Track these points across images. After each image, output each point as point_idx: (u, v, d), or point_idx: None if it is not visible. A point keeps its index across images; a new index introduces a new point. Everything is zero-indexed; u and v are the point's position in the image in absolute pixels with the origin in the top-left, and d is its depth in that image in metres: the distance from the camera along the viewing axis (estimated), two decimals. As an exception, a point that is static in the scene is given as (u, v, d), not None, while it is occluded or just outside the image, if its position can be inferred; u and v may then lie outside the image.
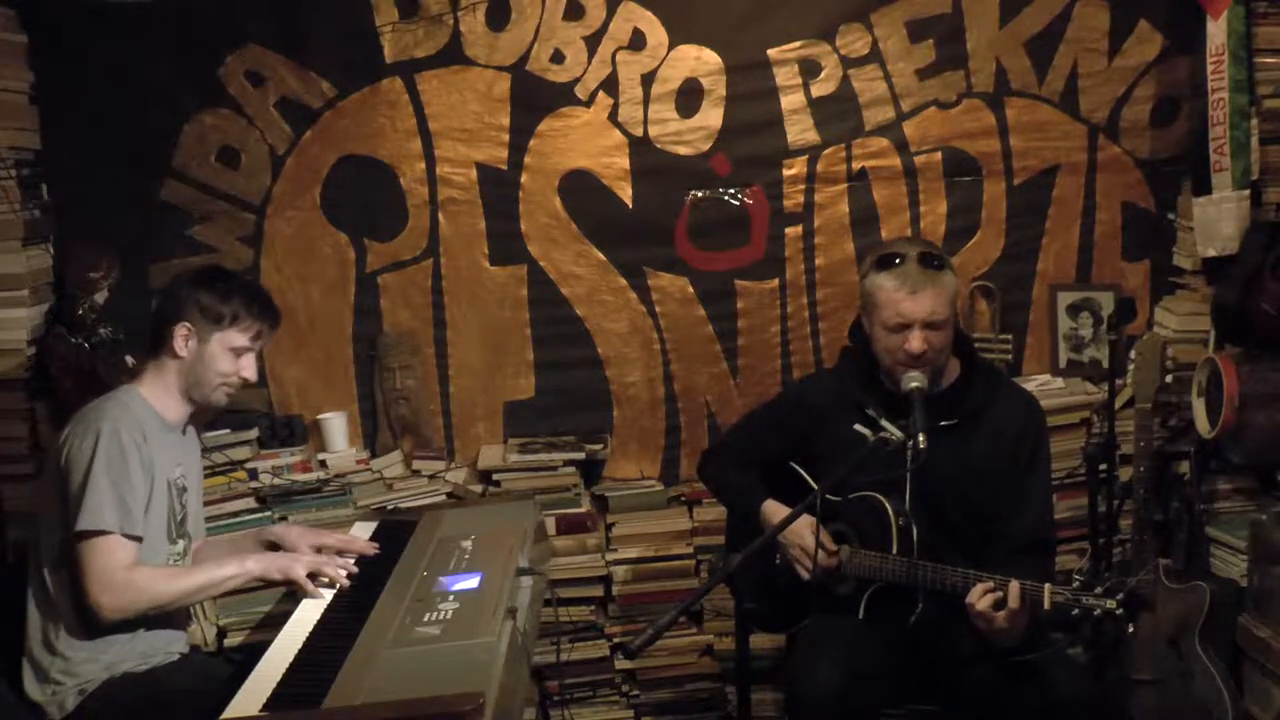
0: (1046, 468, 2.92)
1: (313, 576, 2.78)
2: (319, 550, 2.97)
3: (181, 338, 2.76)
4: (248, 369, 2.83)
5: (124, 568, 2.60)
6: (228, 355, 2.79)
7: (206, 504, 3.50)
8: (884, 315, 2.77)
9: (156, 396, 2.80)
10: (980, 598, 2.55)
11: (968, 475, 2.80)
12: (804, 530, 2.82)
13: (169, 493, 2.79)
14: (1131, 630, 2.54)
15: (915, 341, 2.73)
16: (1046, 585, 2.50)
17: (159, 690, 2.66)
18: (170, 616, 2.78)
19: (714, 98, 3.68)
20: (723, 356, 3.81)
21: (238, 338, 2.79)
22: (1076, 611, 2.44)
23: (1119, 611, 2.40)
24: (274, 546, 3.01)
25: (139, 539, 2.65)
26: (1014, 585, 2.53)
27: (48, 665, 2.66)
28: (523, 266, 3.76)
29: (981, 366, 2.94)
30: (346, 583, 2.79)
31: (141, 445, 2.68)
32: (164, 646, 2.78)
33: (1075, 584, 2.46)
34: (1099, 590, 2.43)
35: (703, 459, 3.26)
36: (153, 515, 2.72)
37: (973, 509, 2.82)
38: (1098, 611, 2.41)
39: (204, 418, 3.59)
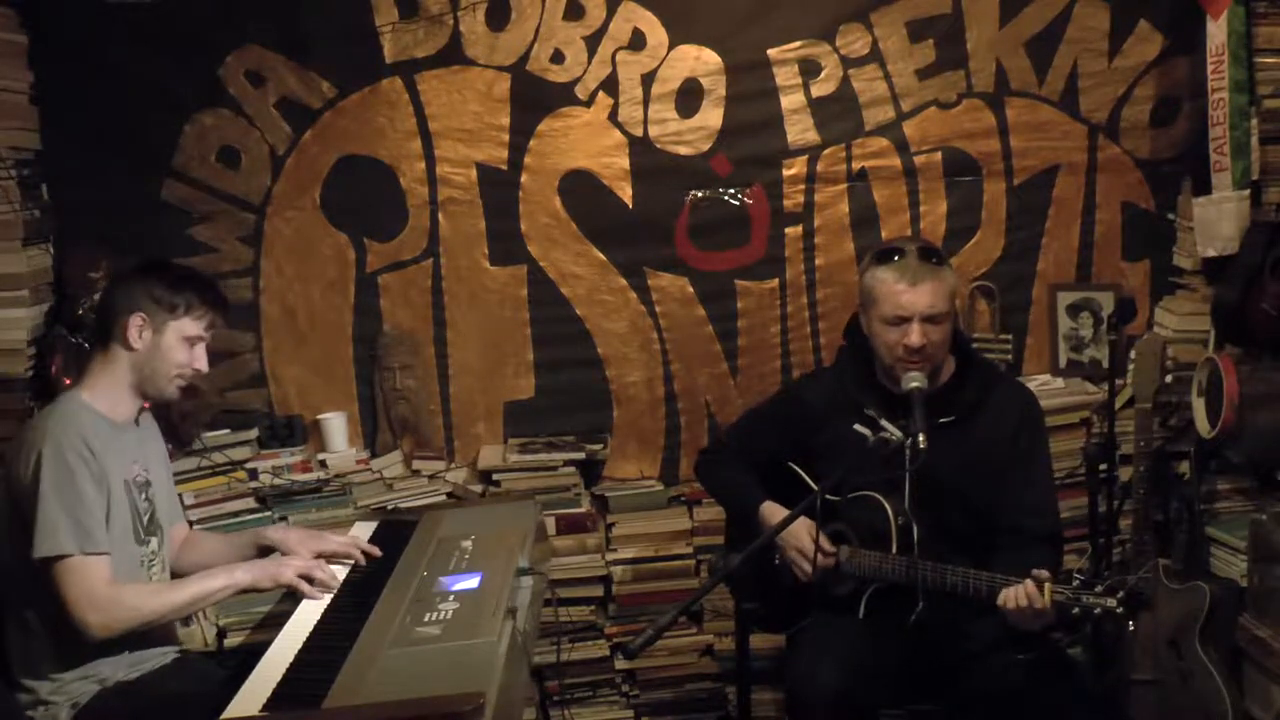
0: (1047, 460, 2.92)
1: (304, 579, 2.73)
2: (321, 556, 2.90)
3: (135, 328, 2.69)
4: (200, 360, 2.77)
5: (105, 584, 2.55)
6: (182, 345, 2.73)
7: (206, 504, 3.52)
8: (883, 309, 2.76)
9: (100, 397, 2.72)
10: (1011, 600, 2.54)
11: (967, 472, 2.79)
12: (801, 533, 2.82)
13: (129, 494, 2.72)
14: (1131, 630, 2.53)
15: (914, 335, 2.72)
16: (1046, 584, 2.49)
17: (152, 696, 2.63)
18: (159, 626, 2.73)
19: (714, 98, 3.68)
20: (723, 356, 3.81)
21: (192, 326, 2.73)
22: (1077, 610, 2.43)
23: (1119, 610, 2.40)
24: (269, 549, 2.96)
25: (106, 553, 2.58)
26: (1030, 587, 2.50)
27: (36, 688, 2.61)
28: (523, 266, 3.76)
29: (976, 362, 2.94)
30: (337, 584, 2.76)
31: (89, 458, 2.59)
32: (155, 652, 2.74)
33: (1075, 583, 2.46)
34: (1099, 589, 2.42)
35: (699, 458, 3.25)
36: (115, 523, 2.65)
37: (973, 506, 2.81)
38: (1098, 610, 2.41)
39: (203, 416, 3.60)
